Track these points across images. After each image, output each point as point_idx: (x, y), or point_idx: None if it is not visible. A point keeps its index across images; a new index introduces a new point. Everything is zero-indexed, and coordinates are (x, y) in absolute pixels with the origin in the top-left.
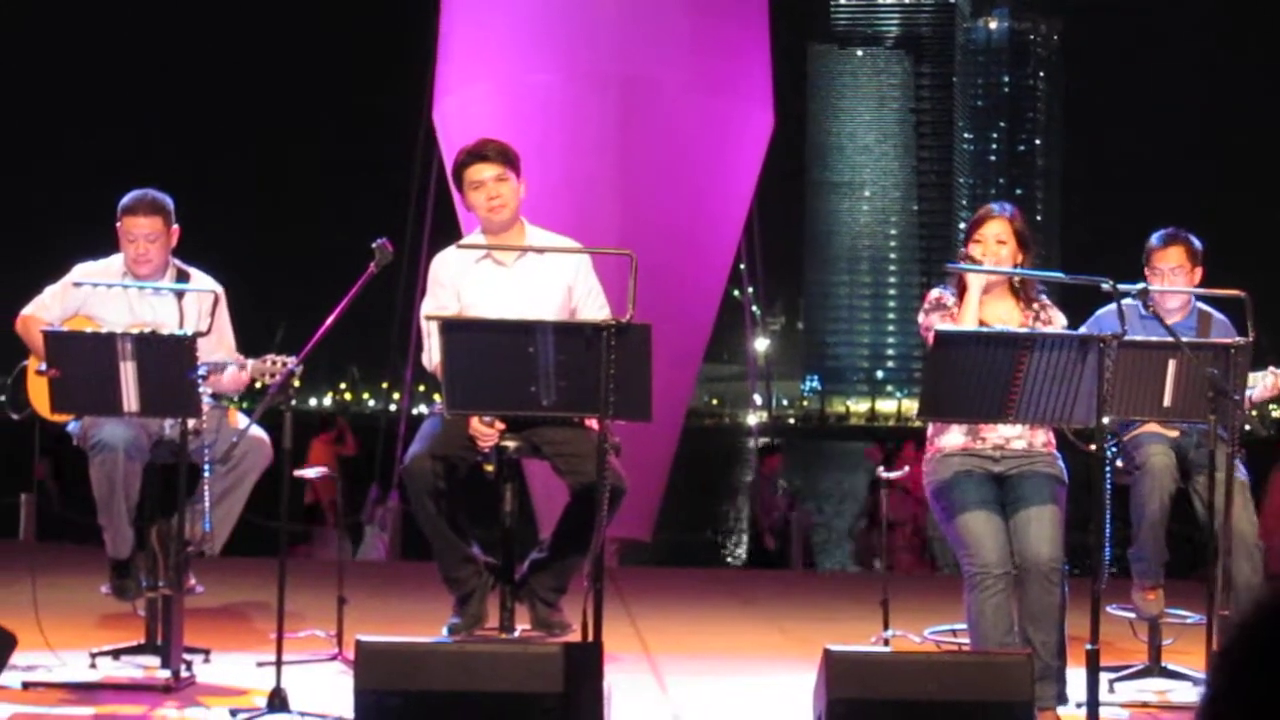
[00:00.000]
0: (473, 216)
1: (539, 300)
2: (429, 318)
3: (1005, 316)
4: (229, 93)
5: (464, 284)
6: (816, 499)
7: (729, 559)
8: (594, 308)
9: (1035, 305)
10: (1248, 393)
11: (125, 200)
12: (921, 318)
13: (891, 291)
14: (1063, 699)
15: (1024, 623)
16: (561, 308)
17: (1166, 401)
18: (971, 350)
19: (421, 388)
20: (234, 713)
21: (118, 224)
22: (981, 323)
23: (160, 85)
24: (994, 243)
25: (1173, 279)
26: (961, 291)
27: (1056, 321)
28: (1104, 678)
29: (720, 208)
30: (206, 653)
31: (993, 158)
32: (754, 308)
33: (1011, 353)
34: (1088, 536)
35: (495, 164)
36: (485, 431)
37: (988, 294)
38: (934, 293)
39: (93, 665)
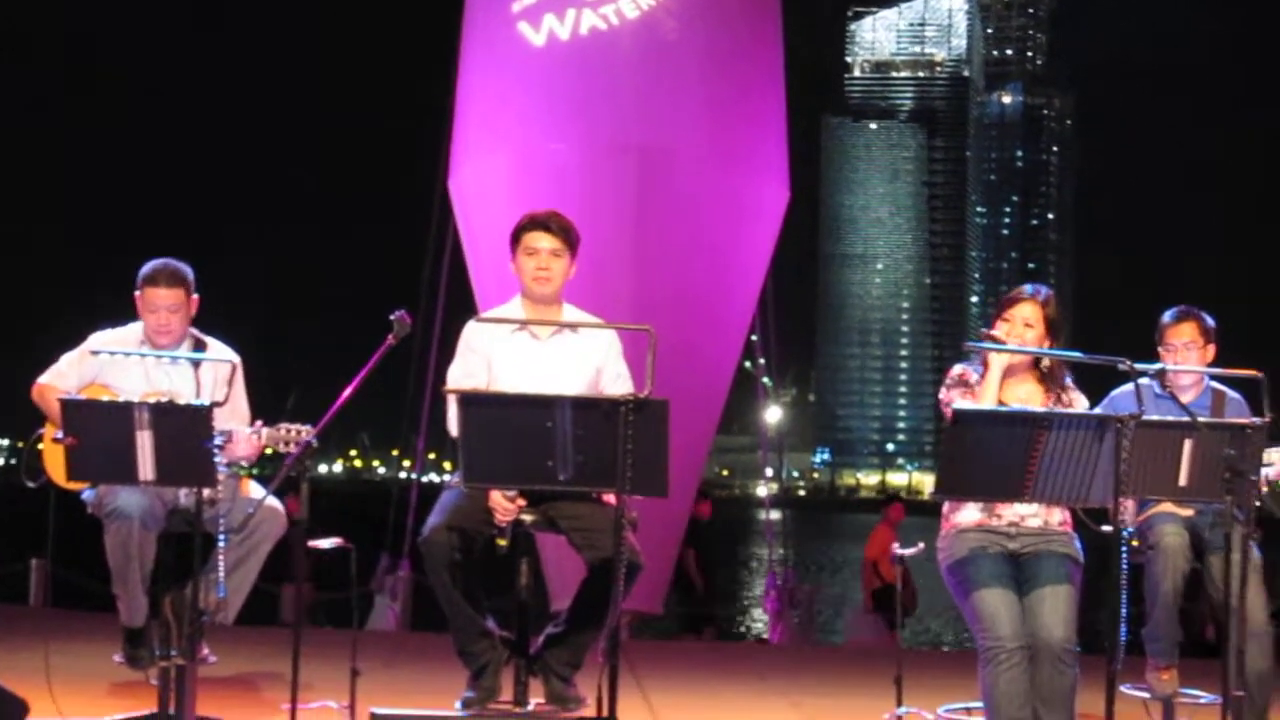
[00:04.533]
0: (487, 288)
1: (567, 377)
2: (449, 390)
3: (1027, 398)
4: (242, 158)
5: (496, 353)
6: (828, 571)
7: (743, 631)
8: (619, 390)
9: (1057, 388)
10: (1264, 471)
11: (146, 270)
12: (943, 393)
13: (903, 364)
14: None
15: (1036, 703)
16: (589, 386)
17: (1183, 481)
18: (989, 429)
19: (432, 455)
20: None
21: (137, 293)
22: (1001, 403)
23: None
24: (1021, 324)
25: (1185, 355)
26: (986, 370)
27: (1078, 405)
28: None
29: (735, 279)
30: None
31: (1005, 231)
32: (766, 379)
33: (1029, 432)
34: (1102, 616)
35: (555, 238)
36: (505, 505)
37: (1011, 376)
38: (957, 369)
39: None
